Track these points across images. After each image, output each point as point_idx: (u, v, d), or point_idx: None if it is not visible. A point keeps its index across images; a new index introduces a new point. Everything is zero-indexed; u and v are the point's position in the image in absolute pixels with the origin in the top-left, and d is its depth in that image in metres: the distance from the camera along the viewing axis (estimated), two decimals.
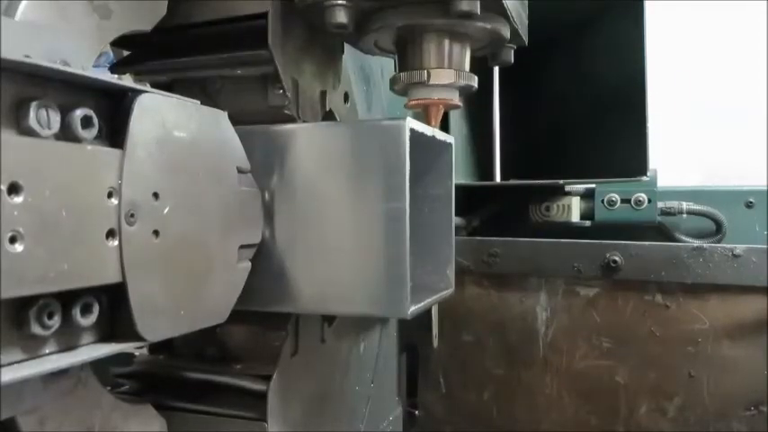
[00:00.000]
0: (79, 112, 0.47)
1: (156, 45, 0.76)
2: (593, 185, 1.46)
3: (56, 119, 0.46)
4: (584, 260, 1.27)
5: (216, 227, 0.63)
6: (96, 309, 0.50)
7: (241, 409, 0.76)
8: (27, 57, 0.44)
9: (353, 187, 0.69)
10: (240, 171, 0.68)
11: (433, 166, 0.82)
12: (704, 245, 1.22)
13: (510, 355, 1.35)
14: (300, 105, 0.78)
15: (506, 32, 0.80)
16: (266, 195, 0.72)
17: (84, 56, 0.56)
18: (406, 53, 0.81)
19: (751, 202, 1.47)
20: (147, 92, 0.53)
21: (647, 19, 1.27)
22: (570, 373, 1.30)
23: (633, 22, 1.29)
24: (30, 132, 0.44)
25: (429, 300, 0.77)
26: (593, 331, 1.28)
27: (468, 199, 1.51)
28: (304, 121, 0.78)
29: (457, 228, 0.91)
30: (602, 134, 1.42)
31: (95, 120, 0.49)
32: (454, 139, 0.83)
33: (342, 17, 0.72)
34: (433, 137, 0.76)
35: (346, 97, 0.94)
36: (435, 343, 1.34)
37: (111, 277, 0.50)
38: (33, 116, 0.44)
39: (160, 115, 0.55)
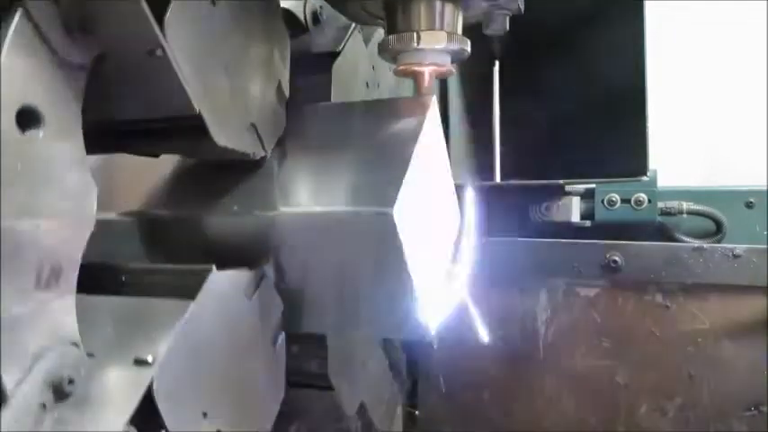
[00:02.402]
0: None
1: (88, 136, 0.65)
2: (593, 185, 1.46)
3: None
4: (584, 260, 1.27)
5: (254, 359, 0.67)
6: None
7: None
8: None
9: (352, 263, 0.69)
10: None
11: None
12: (704, 245, 1.22)
13: (510, 355, 1.34)
14: (263, 138, 0.74)
15: None
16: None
17: None
18: (396, 16, 0.75)
19: (751, 202, 1.47)
20: (163, 376, 0.54)
21: (648, 19, 1.27)
22: (570, 373, 1.30)
23: (633, 22, 1.28)
24: None
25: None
26: (594, 331, 1.28)
27: None
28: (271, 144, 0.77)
29: None
30: (602, 134, 1.42)
31: None
32: (454, 139, 0.83)
33: None
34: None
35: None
36: (435, 343, 1.34)
37: None
38: None
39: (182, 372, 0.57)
